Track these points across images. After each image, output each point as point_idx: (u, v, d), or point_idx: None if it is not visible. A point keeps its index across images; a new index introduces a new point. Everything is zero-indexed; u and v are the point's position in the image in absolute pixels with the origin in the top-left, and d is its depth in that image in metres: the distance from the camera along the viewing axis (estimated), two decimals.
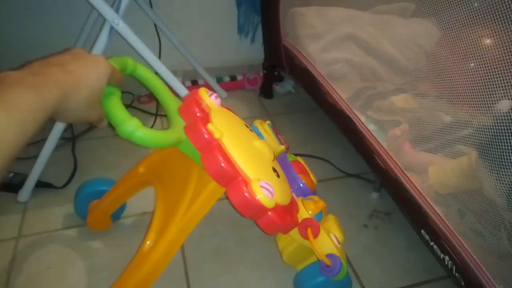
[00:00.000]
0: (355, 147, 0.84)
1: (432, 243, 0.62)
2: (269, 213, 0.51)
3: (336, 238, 0.65)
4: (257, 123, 0.75)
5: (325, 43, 0.96)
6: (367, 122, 0.80)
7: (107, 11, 0.71)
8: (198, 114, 0.54)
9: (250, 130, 0.63)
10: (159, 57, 1.16)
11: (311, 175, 0.77)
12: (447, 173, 0.64)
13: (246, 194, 0.49)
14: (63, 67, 0.39)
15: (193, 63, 1.18)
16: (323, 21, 0.99)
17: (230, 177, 0.50)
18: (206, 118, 0.54)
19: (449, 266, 0.58)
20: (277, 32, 1.06)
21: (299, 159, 0.80)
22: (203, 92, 0.58)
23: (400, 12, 1.05)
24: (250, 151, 0.56)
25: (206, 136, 0.51)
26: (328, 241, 0.63)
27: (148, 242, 0.57)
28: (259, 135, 0.70)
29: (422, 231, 0.64)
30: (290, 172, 0.73)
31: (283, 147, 0.74)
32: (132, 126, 0.46)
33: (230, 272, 0.74)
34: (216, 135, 0.51)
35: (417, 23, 1.00)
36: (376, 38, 0.97)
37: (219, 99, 0.59)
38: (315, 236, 0.61)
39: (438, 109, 0.74)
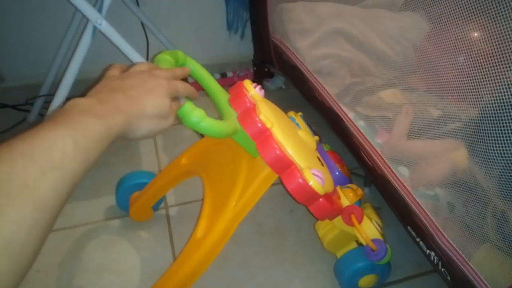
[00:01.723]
0: (344, 143, 0.84)
1: (418, 239, 0.62)
2: (321, 199, 0.54)
3: (378, 224, 0.68)
4: (292, 114, 0.77)
5: (314, 39, 0.96)
6: (355, 119, 0.80)
7: (89, 11, 0.71)
8: (248, 105, 0.57)
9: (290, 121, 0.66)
10: (147, 56, 1.16)
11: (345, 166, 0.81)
12: None
13: (301, 181, 0.52)
14: (126, 93, 0.39)
15: None
16: (311, 16, 0.98)
17: (285, 165, 0.53)
18: (254, 108, 0.56)
19: (435, 262, 0.58)
20: (265, 28, 1.05)
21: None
22: (248, 84, 0.60)
23: (389, 6, 1.04)
24: (297, 141, 0.59)
25: (259, 125, 0.54)
26: (372, 227, 0.66)
27: (199, 231, 0.58)
28: (297, 125, 0.73)
29: (408, 228, 0.64)
30: (328, 161, 0.77)
31: (317, 137, 0.75)
32: (197, 116, 0.48)
33: (222, 270, 0.74)
34: (268, 125, 0.54)
35: (406, 17, 1.00)
36: (365, 33, 0.96)
37: (263, 91, 0.60)
38: (360, 222, 0.63)
39: (427, 103, 0.74)
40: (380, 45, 0.95)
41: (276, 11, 1.03)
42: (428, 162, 0.69)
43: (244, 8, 1.23)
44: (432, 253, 0.58)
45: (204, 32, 1.27)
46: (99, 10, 0.73)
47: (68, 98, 0.80)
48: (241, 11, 1.24)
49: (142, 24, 1.09)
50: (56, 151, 0.30)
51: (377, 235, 0.65)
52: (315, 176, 0.52)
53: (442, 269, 0.57)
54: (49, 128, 0.32)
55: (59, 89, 0.78)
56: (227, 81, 1.30)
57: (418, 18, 0.96)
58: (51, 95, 0.85)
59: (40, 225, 0.29)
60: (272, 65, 1.13)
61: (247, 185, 0.57)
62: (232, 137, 0.57)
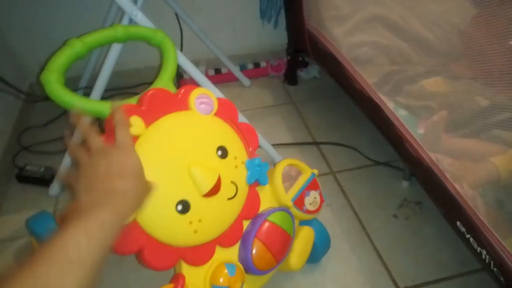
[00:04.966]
0: (384, 135, 0.81)
1: (468, 236, 0.58)
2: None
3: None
4: (282, 164, 0.67)
5: (351, 26, 0.92)
6: (396, 108, 0.76)
7: (125, 3, 0.71)
8: (143, 108, 0.51)
9: (220, 155, 0.56)
10: (181, 46, 1.16)
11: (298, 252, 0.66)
12: None
13: None
14: (108, 184, 0.42)
15: (215, 51, 1.17)
16: (348, 2, 0.94)
17: None
18: (154, 113, 0.51)
19: (487, 260, 0.55)
20: (300, 15, 1.02)
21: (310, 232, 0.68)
22: (195, 92, 0.56)
23: None
24: (166, 168, 0.51)
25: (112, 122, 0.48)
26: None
27: None
28: (256, 174, 0.60)
29: (458, 223, 0.61)
30: (249, 235, 0.60)
31: (289, 203, 0.65)
32: (54, 77, 0.48)
33: None
34: (133, 130, 0.49)
35: (449, 0, 0.94)
36: (405, 18, 0.92)
37: (204, 106, 0.56)
38: None
39: (473, 92, 0.70)
40: (421, 30, 0.90)
41: None
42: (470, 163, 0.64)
43: None
44: (484, 251, 0.55)
45: (237, 21, 1.26)
46: (135, 2, 0.74)
47: (105, 90, 0.81)
48: None
49: (176, 14, 1.09)
50: (71, 247, 0.34)
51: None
52: None
53: (494, 269, 0.54)
54: (64, 229, 0.36)
55: (98, 81, 0.79)
56: (261, 71, 1.29)
57: (463, 1, 0.91)
58: (89, 87, 0.87)
59: None
60: (306, 54, 1.10)
61: None
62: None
